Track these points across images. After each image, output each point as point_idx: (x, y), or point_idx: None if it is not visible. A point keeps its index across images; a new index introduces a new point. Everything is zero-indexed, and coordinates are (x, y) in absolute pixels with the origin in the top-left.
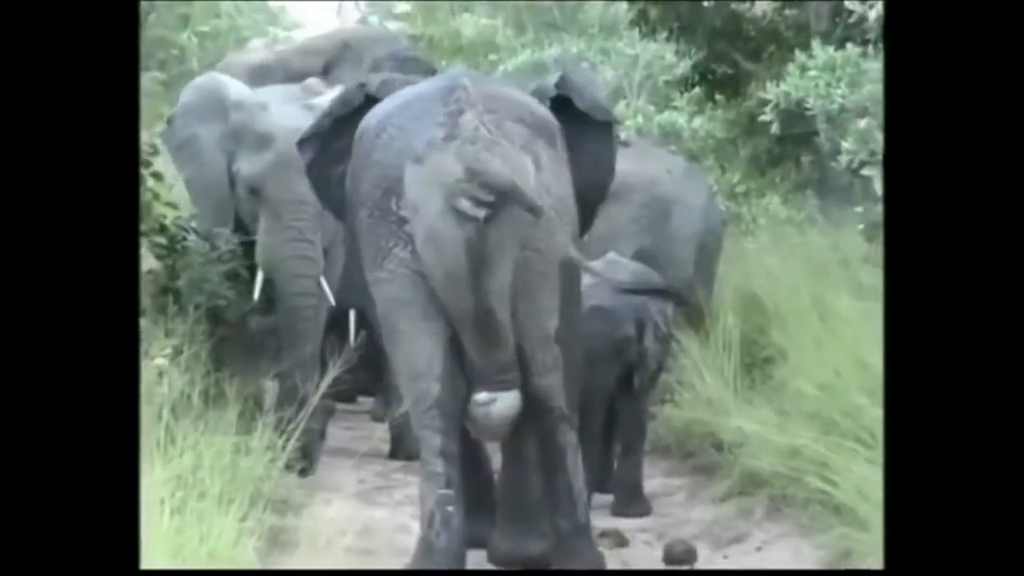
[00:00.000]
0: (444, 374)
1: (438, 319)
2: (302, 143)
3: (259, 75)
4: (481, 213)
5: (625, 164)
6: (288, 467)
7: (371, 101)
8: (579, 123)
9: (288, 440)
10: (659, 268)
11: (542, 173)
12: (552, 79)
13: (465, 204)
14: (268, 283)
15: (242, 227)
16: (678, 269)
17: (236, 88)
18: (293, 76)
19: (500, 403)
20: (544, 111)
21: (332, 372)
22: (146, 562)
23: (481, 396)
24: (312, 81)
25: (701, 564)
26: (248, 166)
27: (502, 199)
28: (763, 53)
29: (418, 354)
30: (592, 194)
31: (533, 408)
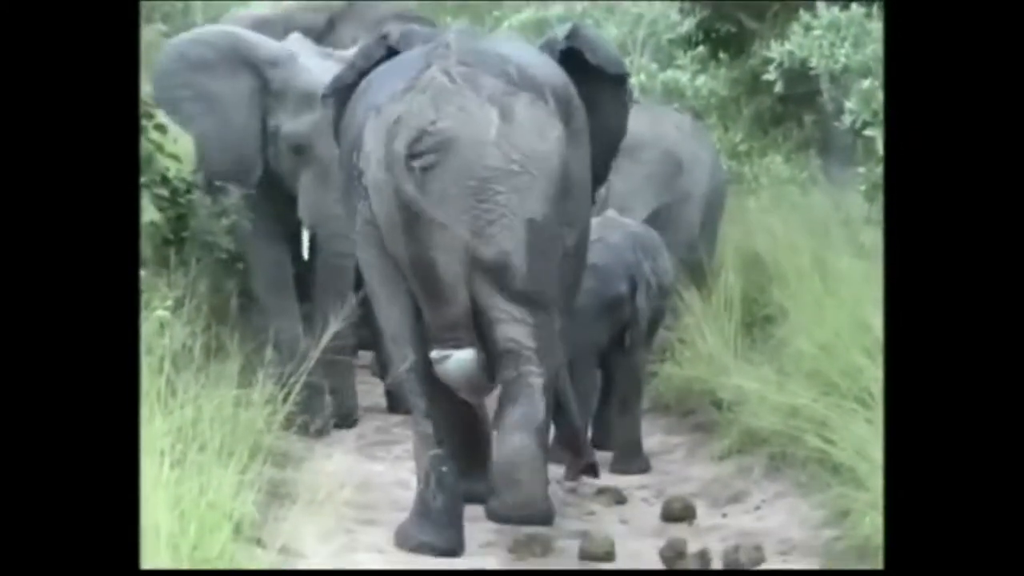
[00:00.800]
0: (415, 337)
1: (402, 280)
2: (325, 97)
3: (261, 30)
4: (417, 163)
5: (635, 122)
6: (302, 429)
7: (393, 54)
8: (591, 77)
9: (289, 394)
10: (671, 226)
11: (511, 126)
12: (562, 30)
13: (402, 156)
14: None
15: (272, 183)
16: (688, 228)
17: (264, 44)
18: (297, 31)
19: (451, 361)
20: (548, 69)
21: (333, 326)
22: (148, 511)
23: (433, 353)
24: (295, 36)
25: (700, 522)
26: (292, 124)
27: (446, 150)
28: (767, 12)
29: (392, 318)
30: (604, 150)
31: (500, 358)
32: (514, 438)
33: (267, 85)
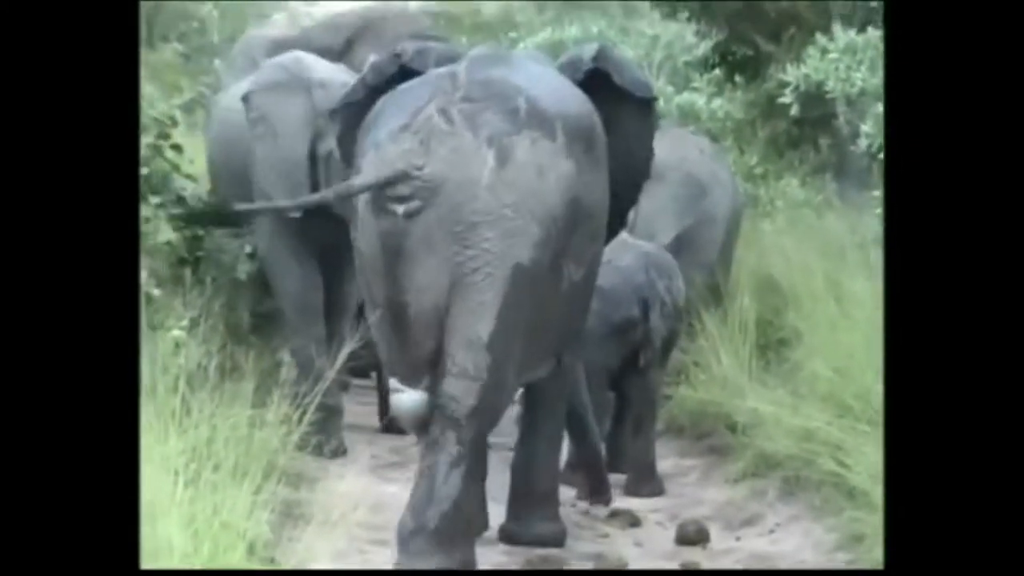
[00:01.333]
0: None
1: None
2: (334, 112)
3: (280, 50)
4: (399, 208)
5: (658, 144)
6: (316, 449)
7: (405, 71)
8: (616, 100)
9: (304, 414)
10: (694, 248)
11: (507, 169)
12: (588, 50)
13: (385, 197)
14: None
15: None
16: (709, 250)
17: (321, 67)
18: (314, 52)
19: (403, 398)
20: (563, 98)
21: (348, 346)
22: (161, 530)
23: (392, 382)
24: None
25: (714, 545)
26: None
27: (432, 194)
28: (783, 35)
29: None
30: (632, 173)
31: (435, 406)
32: (414, 503)
33: (319, 107)
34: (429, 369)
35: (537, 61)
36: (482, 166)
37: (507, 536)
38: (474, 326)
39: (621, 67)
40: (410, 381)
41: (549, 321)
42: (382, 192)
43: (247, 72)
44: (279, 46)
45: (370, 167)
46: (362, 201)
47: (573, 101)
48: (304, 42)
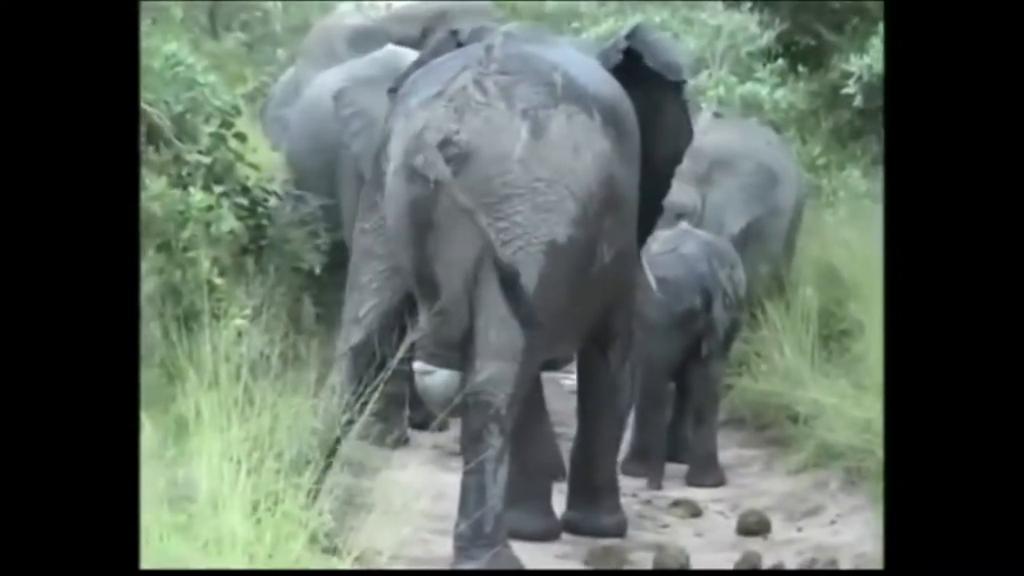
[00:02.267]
0: (370, 328)
1: (396, 277)
2: (390, 91)
3: (360, 40)
4: (431, 173)
5: (727, 134)
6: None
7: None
8: (649, 82)
9: (366, 403)
10: (762, 239)
11: (541, 142)
12: (624, 30)
13: (419, 162)
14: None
15: None
16: (776, 241)
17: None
18: (392, 43)
19: (432, 379)
20: (598, 81)
21: (411, 336)
22: (224, 519)
23: (417, 364)
24: (389, 48)
25: (775, 535)
26: None
27: (464, 163)
28: (847, 25)
29: (361, 302)
30: (666, 158)
31: (471, 393)
32: (467, 508)
33: None
34: (459, 345)
35: (571, 44)
36: (515, 139)
37: (570, 527)
38: (508, 302)
39: (654, 49)
40: (438, 359)
41: (577, 303)
42: (413, 162)
43: (327, 62)
44: (360, 37)
45: (401, 136)
46: (392, 169)
47: (607, 85)
48: (382, 32)
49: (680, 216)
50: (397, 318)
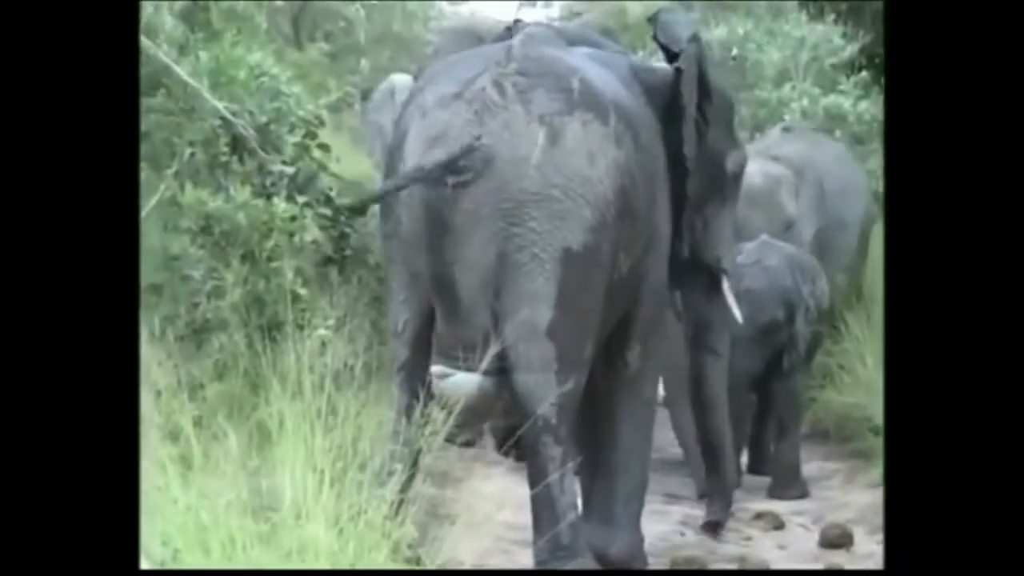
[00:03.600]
0: (414, 339)
1: (422, 285)
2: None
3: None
4: (452, 179)
5: (798, 145)
6: (449, 440)
7: None
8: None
9: (450, 414)
10: (827, 251)
11: (557, 148)
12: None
13: (433, 165)
14: None
15: None
16: (844, 254)
17: None
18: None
19: (451, 382)
20: (618, 84)
21: (494, 347)
22: (308, 529)
23: (436, 368)
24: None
25: (857, 548)
26: None
27: (481, 166)
28: None
29: (400, 316)
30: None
31: (516, 407)
32: (541, 527)
33: None
34: (481, 347)
35: (597, 44)
36: (532, 144)
37: None
38: (531, 313)
39: (665, 26)
40: (456, 361)
41: (594, 311)
42: (431, 164)
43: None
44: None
45: (418, 135)
46: (407, 170)
47: (625, 92)
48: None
49: (788, 227)
50: (432, 326)
